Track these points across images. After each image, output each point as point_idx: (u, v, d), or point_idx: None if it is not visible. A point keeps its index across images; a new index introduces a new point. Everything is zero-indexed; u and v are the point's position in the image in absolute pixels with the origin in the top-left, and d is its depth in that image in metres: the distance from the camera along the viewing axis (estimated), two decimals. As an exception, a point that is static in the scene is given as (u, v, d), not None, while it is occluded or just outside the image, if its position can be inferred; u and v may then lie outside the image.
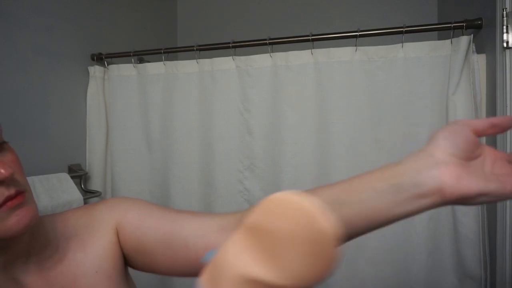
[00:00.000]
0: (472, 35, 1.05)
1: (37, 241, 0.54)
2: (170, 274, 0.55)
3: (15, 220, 0.47)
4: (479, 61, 1.07)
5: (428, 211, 1.25)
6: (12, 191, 0.47)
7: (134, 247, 0.55)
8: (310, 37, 1.18)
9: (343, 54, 1.17)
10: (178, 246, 0.51)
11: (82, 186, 1.36)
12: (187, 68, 1.35)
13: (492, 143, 1.00)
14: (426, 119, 1.12)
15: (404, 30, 1.10)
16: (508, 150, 0.92)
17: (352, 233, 0.43)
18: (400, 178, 0.40)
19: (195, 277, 0.51)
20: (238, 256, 0.32)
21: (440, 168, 0.39)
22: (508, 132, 0.91)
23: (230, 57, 1.29)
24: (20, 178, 0.49)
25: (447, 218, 1.10)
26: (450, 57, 1.07)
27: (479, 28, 1.08)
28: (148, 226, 0.54)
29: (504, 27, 0.91)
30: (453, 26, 1.06)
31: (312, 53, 1.20)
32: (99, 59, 1.45)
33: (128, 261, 0.59)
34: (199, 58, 1.33)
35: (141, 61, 1.58)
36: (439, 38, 1.31)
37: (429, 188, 0.39)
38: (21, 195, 0.48)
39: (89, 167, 1.42)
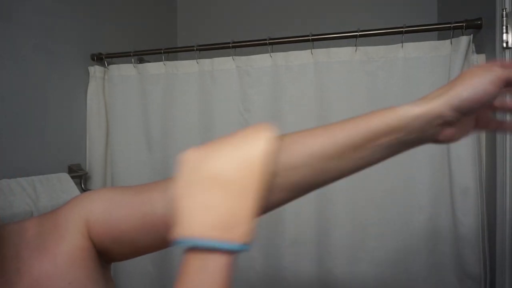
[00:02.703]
0: (472, 35, 1.05)
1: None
2: (159, 250, 0.53)
3: None
4: (479, 61, 1.06)
5: (428, 212, 1.22)
6: None
7: (111, 240, 0.51)
8: (310, 37, 1.18)
9: (343, 54, 1.17)
10: (158, 225, 0.49)
11: (82, 186, 1.36)
12: (187, 68, 1.35)
13: (492, 143, 1.00)
14: (426, 119, 1.11)
15: (404, 30, 1.10)
16: (508, 150, 0.92)
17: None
18: (406, 130, 0.43)
19: None
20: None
21: (443, 128, 0.44)
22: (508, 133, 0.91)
23: (230, 57, 1.29)
24: None
25: (447, 218, 1.10)
26: (450, 57, 1.07)
27: (479, 28, 1.08)
28: (119, 217, 0.50)
29: (504, 27, 0.91)
30: (453, 26, 1.07)
31: (312, 53, 1.20)
32: (99, 59, 1.45)
33: (108, 257, 0.54)
34: (199, 58, 1.33)
35: (141, 61, 1.58)
36: (439, 38, 1.31)
37: (425, 140, 0.45)
38: None
39: (89, 167, 1.42)
